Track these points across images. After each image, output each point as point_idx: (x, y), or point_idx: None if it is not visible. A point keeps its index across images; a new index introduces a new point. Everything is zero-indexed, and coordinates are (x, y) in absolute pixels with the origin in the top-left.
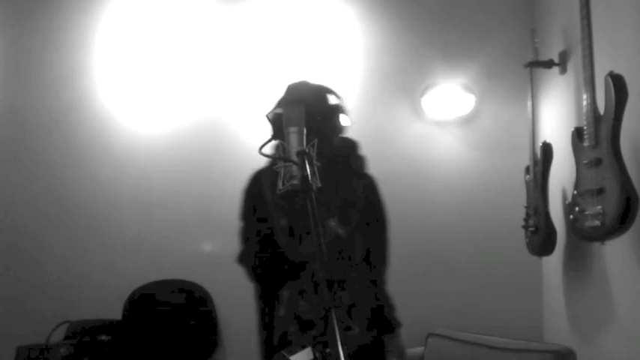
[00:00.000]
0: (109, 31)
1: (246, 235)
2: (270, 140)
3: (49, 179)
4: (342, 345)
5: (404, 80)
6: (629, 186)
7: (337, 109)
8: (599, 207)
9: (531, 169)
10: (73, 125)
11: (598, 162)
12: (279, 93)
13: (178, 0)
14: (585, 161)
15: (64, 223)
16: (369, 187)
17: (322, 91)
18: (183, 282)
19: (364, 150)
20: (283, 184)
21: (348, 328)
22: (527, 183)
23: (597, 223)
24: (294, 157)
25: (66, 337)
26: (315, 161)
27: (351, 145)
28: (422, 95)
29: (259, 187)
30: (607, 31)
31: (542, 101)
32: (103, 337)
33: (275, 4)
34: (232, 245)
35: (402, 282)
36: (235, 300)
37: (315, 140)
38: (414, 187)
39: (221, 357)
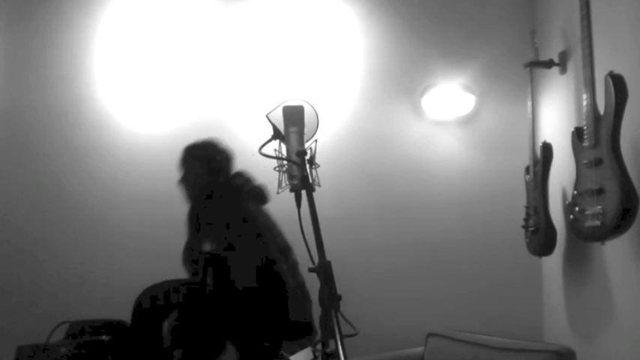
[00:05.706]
0: (109, 31)
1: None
2: (270, 140)
3: (49, 179)
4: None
5: (404, 80)
6: (629, 186)
7: None
8: (599, 207)
9: (531, 169)
10: (73, 125)
11: (598, 162)
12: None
13: (178, 0)
14: (585, 161)
15: (64, 223)
16: None
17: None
18: (182, 282)
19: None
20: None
21: None
22: (527, 183)
23: (597, 223)
24: (294, 157)
25: (66, 337)
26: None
27: None
28: (422, 95)
29: None
30: (607, 31)
31: (542, 101)
32: (103, 337)
33: (275, 4)
34: None
35: (403, 282)
36: None
37: (316, 140)
38: (413, 187)
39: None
